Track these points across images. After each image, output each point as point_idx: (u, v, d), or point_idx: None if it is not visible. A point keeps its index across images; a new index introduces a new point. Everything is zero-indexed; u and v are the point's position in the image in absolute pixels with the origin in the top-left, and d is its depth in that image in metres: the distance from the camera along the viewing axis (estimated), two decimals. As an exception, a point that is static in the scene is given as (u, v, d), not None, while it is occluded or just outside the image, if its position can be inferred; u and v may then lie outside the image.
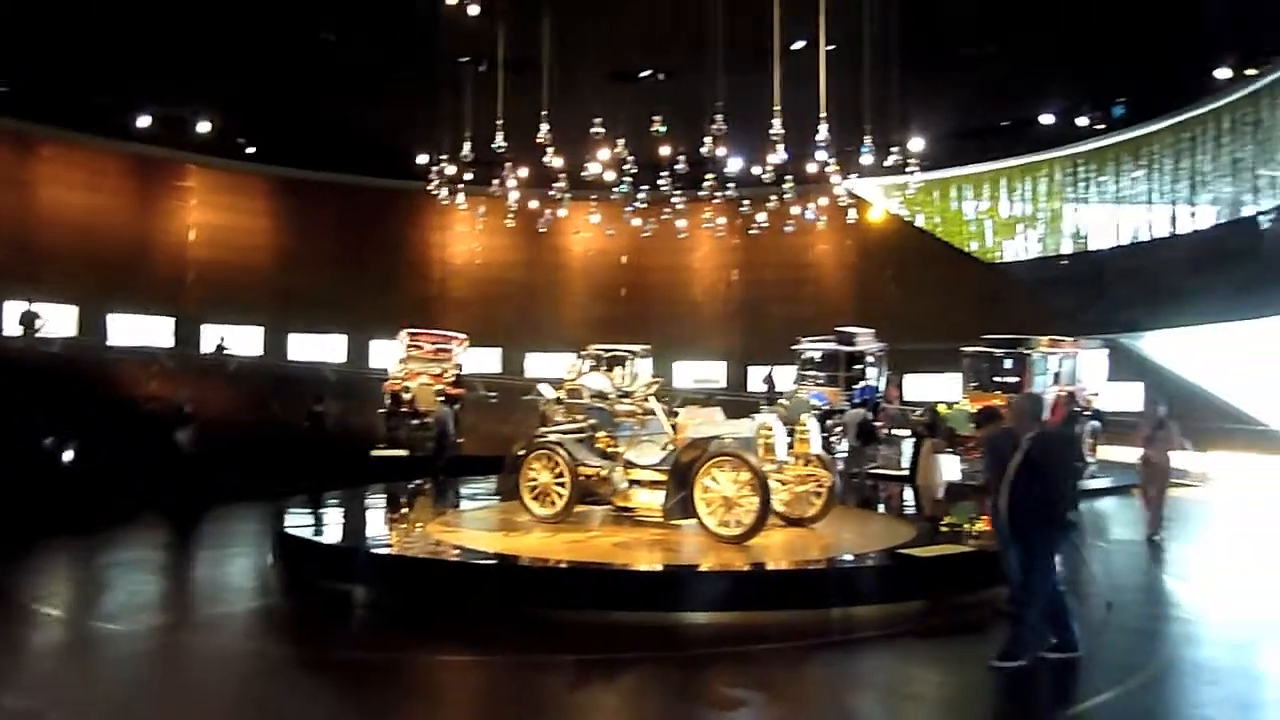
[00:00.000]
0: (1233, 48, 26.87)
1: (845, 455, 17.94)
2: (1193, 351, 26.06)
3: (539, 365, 36.10)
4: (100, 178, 33.07)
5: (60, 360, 24.40)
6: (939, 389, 25.89)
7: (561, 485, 11.44)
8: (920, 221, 36.54)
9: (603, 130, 22.91)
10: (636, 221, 34.21)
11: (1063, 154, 32.78)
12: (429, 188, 30.42)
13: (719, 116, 19.97)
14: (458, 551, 10.12)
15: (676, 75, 28.08)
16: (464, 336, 25.34)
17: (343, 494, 14.20)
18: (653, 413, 11.97)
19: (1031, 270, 33.39)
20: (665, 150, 26.77)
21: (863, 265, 36.31)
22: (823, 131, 17.92)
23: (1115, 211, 31.81)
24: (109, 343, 30.67)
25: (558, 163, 24.27)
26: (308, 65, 31.56)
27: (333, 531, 12.26)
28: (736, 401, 25.24)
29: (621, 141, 25.31)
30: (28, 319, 25.57)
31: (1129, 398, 23.01)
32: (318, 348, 35.58)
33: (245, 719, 6.77)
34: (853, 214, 30.26)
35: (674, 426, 11.63)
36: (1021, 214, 34.64)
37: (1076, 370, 21.37)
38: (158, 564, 11.79)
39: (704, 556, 9.99)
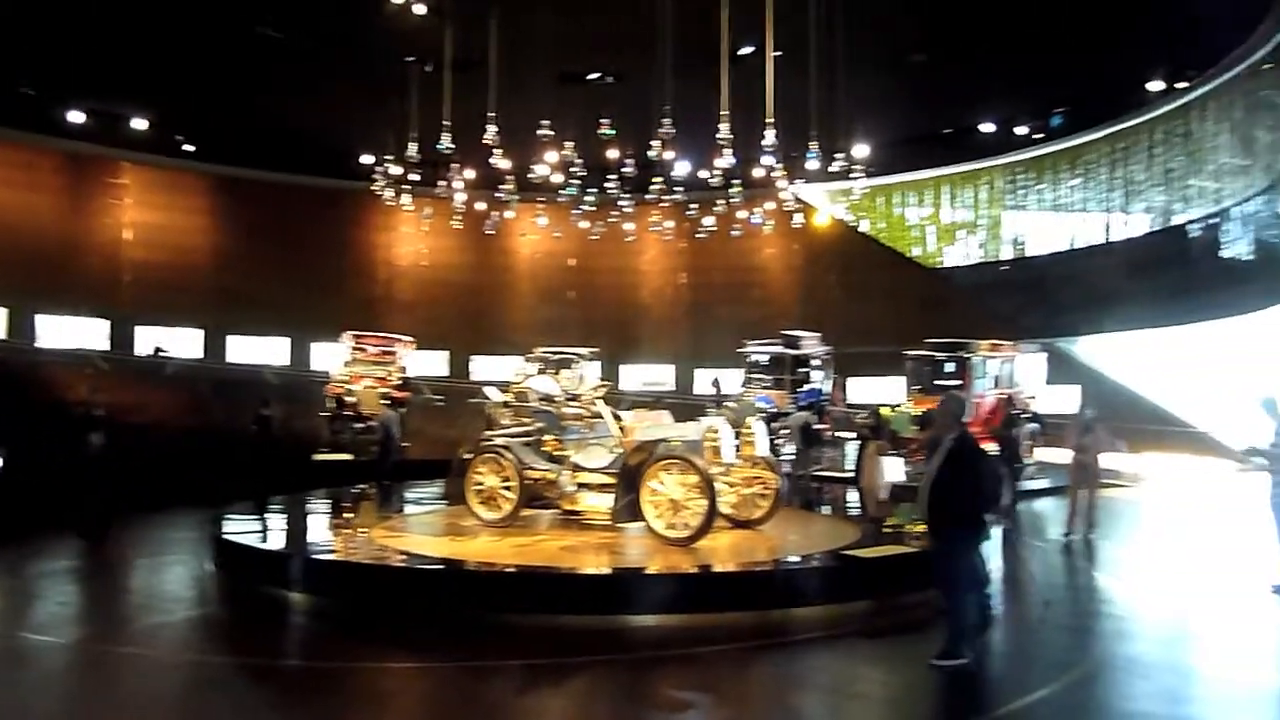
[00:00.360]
0: (1164, 62, 27.76)
1: (791, 457, 18.10)
2: (1126, 355, 26.80)
3: (485, 368, 35.89)
4: (30, 174, 32.11)
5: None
6: (883, 392, 26.30)
7: (508, 489, 11.37)
8: (865, 227, 37.08)
9: (550, 132, 22.85)
10: (584, 224, 34.21)
11: (1003, 162, 33.55)
12: (374, 188, 30.07)
13: (667, 120, 20.04)
14: (403, 557, 10.00)
15: (625, 78, 28.13)
16: (409, 339, 25.07)
17: (285, 499, 13.96)
18: (600, 416, 11.95)
19: (972, 275, 34.08)
20: (613, 153, 26.80)
21: (808, 269, 36.73)
22: (769, 136, 18.08)
23: (1053, 219, 32.63)
24: (40, 345, 29.76)
25: (505, 164, 24.14)
26: (248, 61, 30.99)
27: (274, 537, 12.03)
28: (684, 404, 25.34)
29: (570, 144, 25.26)
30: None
31: (1066, 400, 23.55)
32: (259, 350, 34.90)
33: (182, 730, 6.61)
34: (799, 219, 30.58)
35: (621, 429, 11.63)
36: (963, 220, 35.35)
37: (1015, 373, 21.87)
38: (91, 573, 11.46)
39: (651, 559, 10.00)
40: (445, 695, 7.18)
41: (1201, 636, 8.72)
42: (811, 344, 24.10)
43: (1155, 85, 28.51)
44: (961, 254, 35.49)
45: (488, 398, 13.79)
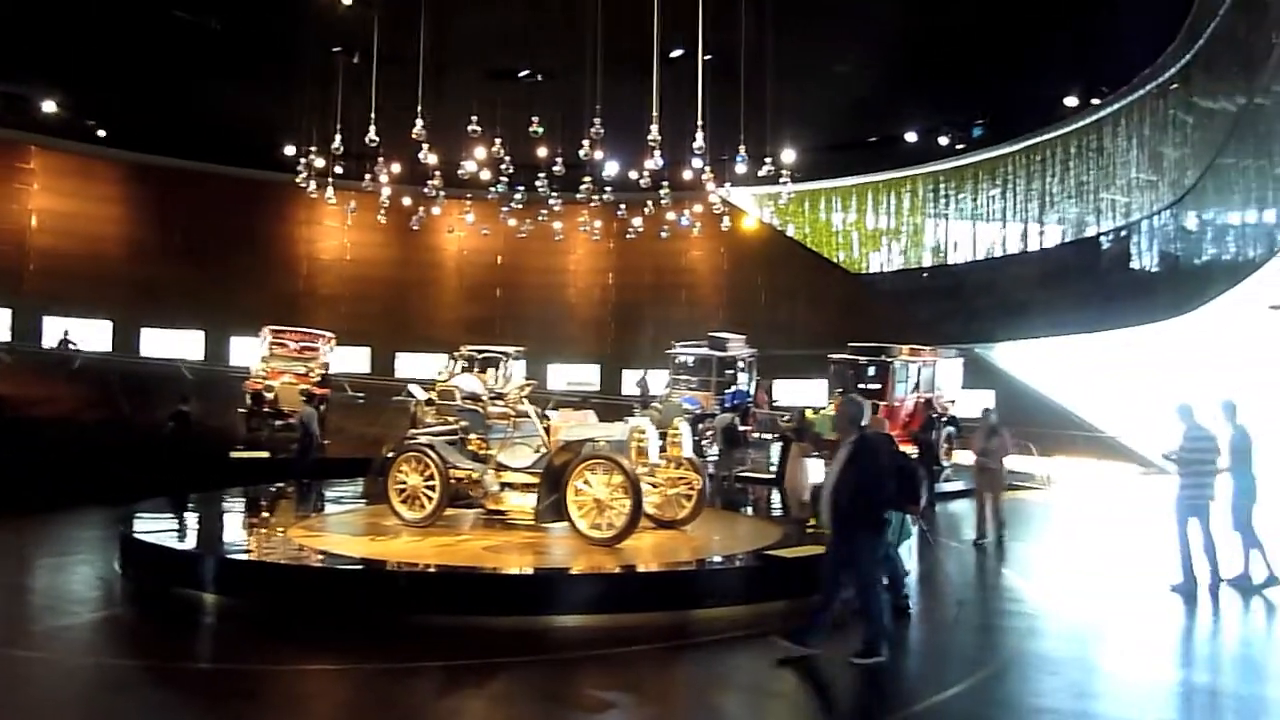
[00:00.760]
0: (1080, 80, 28.78)
1: (715, 459, 18.26)
2: (1039, 361, 27.70)
3: (409, 366, 35.40)
4: (-73, 156, 30.59)
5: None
6: (806, 394, 26.71)
7: (431, 488, 11.23)
8: (791, 231, 37.61)
9: (479, 129, 22.57)
10: (512, 222, 33.95)
11: (925, 171, 34.38)
12: (297, 180, 29.36)
13: (597, 120, 20.00)
14: (321, 557, 9.79)
15: (555, 77, 27.97)
16: (331, 335, 24.62)
17: (200, 497, 13.56)
18: (526, 415, 11.89)
19: (894, 281, 34.86)
20: (543, 151, 26.62)
21: (735, 272, 37.11)
22: (699, 139, 18.18)
23: (972, 227, 33.53)
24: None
25: (432, 160, 23.80)
26: (166, 45, 29.93)
27: (186, 537, 11.66)
28: (610, 405, 25.36)
29: (498, 141, 25.02)
30: None
31: (982, 405, 24.23)
32: (173, 344, 33.81)
33: (84, 738, 6.36)
34: (726, 222, 30.86)
35: (547, 429, 11.58)
36: (886, 227, 36.10)
37: (935, 378, 22.42)
38: (-13, 573, 10.95)
39: (575, 559, 9.98)
40: (363, 698, 7.04)
41: (1107, 634, 9.05)
42: (737, 346, 24.34)
43: (1071, 101, 29.52)
44: (884, 260, 36.24)
45: (411, 395, 13.61)
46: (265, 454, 18.84)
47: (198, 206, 34.20)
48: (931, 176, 34.39)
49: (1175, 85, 23.77)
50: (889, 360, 21.53)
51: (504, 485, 11.42)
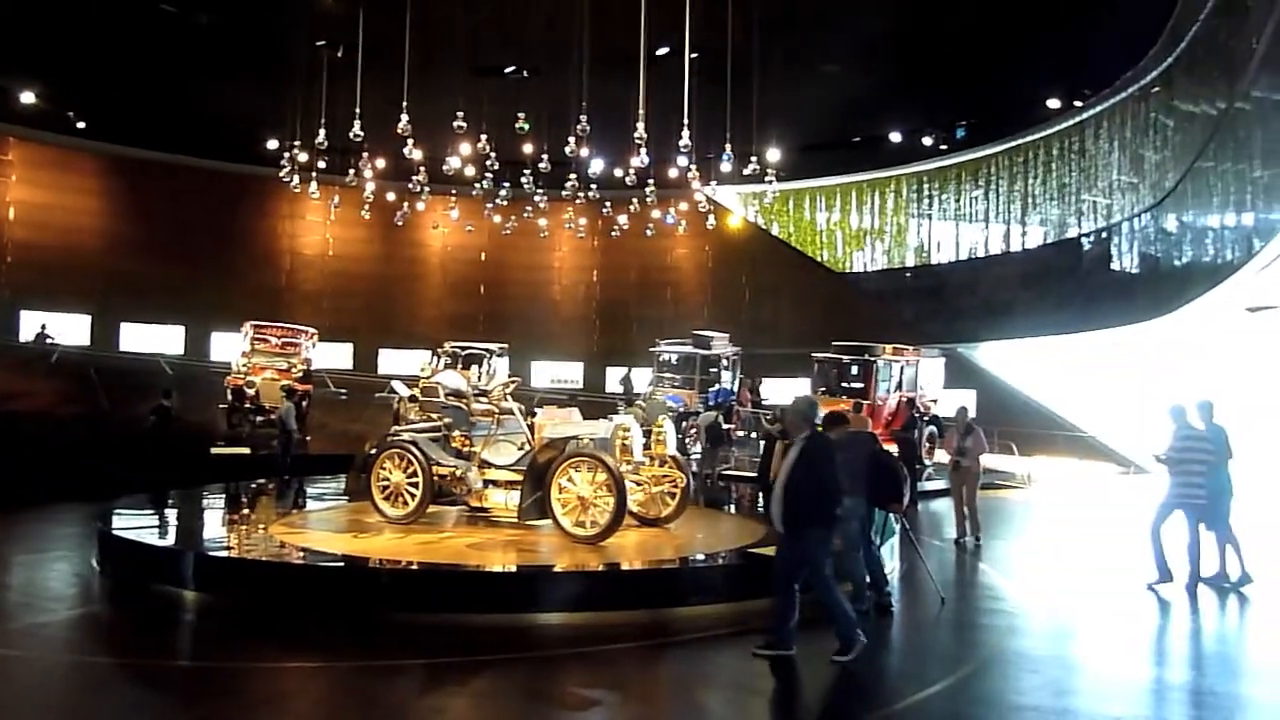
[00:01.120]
0: (1062, 82, 28.99)
1: (698, 456, 18.28)
2: (1021, 361, 27.88)
3: (393, 362, 35.28)
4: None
5: None
6: (790, 392, 26.76)
7: (414, 485, 11.18)
8: (775, 230, 37.69)
9: (464, 125, 22.51)
10: (497, 219, 33.88)
11: (909, 171, 34.52)
12: (280, 175, 29.19)
13: (583, 117, 19.98)
14: (303, 554, 9.74)
15: (542, 74, 27.92)
16: (313, 330, 24.49)
17: (180, 493, 13.46)
18: (510, 412, 11.86)
19: (878, 281, 35.00)
20: (528, 148, 26.57)
21: (719, 270, 37.17)
22: (685, 137, 18.19)
23: (955, 228, 33.71)
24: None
25: (417, 155, 23.72)
26: (148, 37, 29.68)
27: (166, 533, 11.57)
28: (594, 402, 25.35)
29: (484, 137, 24.95)
30: None
31: (958, 404, 24.37)
32: (153, 338, 33.53)
33: (62, 736, 6.30)
34: (711, 220, 30.91)
35: (531, 426, 11.56)
36: (870, 226, 36.23)
37: (917, 377, 22.54)
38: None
39: (559, 557, 9.96)
40: (345, 696, 7.00)
41: (1086, 632, 9.13)
42: (721, 344, 24.39)
43: (1053, 103, 29.73)
44: (868, 259, 36.38)
45: (394, 392, 13.54)
46: (246, 450, 18.75)
47: (179, 200, 33.93)
48: (915, 177, 34.55)
49: (1157, 89, 23.96)
50: (872, 359, 21.62)
51: (487, 482, 11.39)
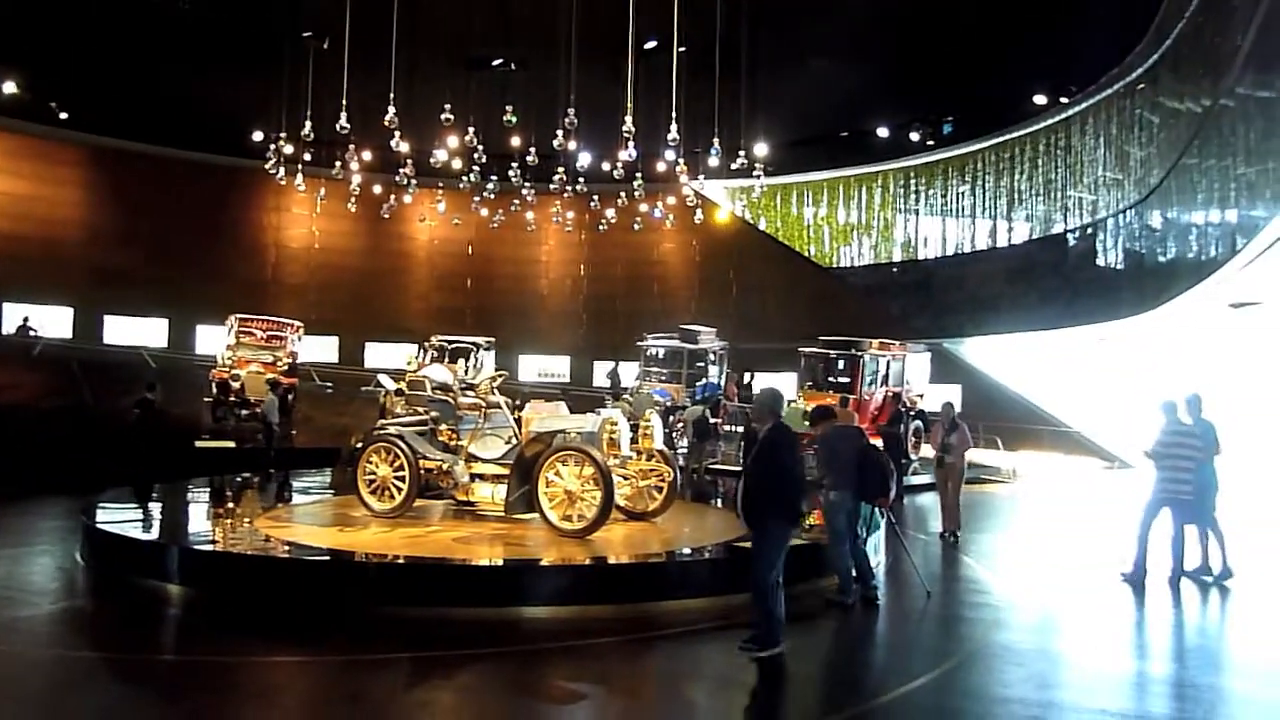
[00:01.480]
0: (1048, 78, 29.10)
1: (685, 451, 18.30)
2: (1006, 356, 28.02)
3: (379, 355, 35.14)
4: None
5: None
6: (777, 387, 26.80)
7: (401, 479, 11.15)
8: (763, 225, 37.72)
9: (452, 117, 22.40)
10: (484, 212, 33.75)
11: (896, 166, 34.59)
12: (265, 166, 28.99)
13: (571, 111, 19.93)
14: (288, 548, 9.70)
15: (529, 66, 27.85)
16: (299, 324, 24.37)
17: (164, 487, 13.38)
18: (497, 406, 11.85)
19: (864, 276, 35.08)
20: (516, 141, 26.49)
21: (707, 265, 37.17)
22: (673, 132, 18.17)
23: (942, 223, 33.81)
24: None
25: (404, 148, 23.59)
26: (132, 26, 29.44)
27: (150, 527, 11.51)
28: (582, 396, 25.32)
29: (471, 130, 24.85)
30: None
31: (943, 399, 24.49)
32: (137, 331, 33.29)
33: (44, 731, 6.25)
34: (699, 214, 30.88)
35: (518, 420, 11.55)
36: (857, 221, 36.30)
37: (904, 372, 22.62)
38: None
39: (545, 551, 9.96)
40: (331, 690, 6.99)
41: (1070, 625, 9.20)
42: (708, 339, 24.41)
43: (1040, 99, 29.84)
44: (855, 255, 36.46)
45: (381, 386, 13.50)
46: (231, 444, 18.66)
47: (163, 192, 33.64)
48: (902, 172, 34.62)
49: (1142, 85, 24.07)
50: (859, 354, 21.68)
51: (474, 476, 11.38)
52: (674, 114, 17.94)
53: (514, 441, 11.28)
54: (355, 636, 7.88)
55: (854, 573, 9.14)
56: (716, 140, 22.63)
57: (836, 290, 34.30)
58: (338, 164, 27.68)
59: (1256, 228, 13.15)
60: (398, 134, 21.29)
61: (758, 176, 26.52)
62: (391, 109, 19.51)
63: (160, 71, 30.52)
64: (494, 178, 30.79)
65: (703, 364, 23.87)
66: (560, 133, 20.86)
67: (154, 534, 11.16)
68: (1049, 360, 26.29)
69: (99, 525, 10.36)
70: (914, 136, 34.02)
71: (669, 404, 21.43)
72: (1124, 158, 25.52)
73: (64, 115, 32.89)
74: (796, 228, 37.49)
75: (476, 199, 32.44)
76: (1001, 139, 31.06)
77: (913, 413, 21.50)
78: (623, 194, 29.97)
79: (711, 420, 19.16)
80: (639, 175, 26.97)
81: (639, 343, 24.98)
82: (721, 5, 22.60)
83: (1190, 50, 19.90)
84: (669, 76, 17.76)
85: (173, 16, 29.33)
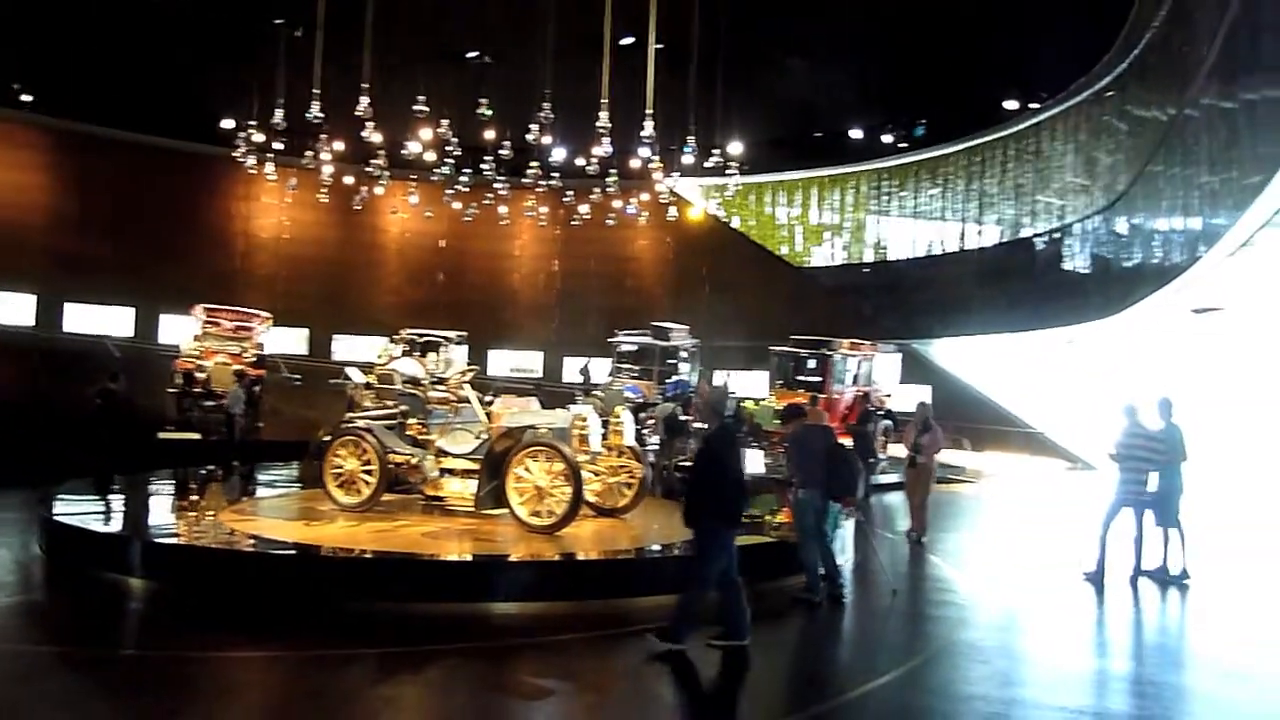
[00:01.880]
0: (1019, 84, 29.42)
1: (656, 448, 18.30)
2: (975, 358, 28.30)
3: (348, 348, 34.85)
4: None
5: None
6: (748, 385, 26.93)
7: (369, 473, 11.07)
8: (736, 223, 37.82)
9: (426, 109, 22.24)
10: (457, 205, 33.56)
11: (868, 168, 34.79)
12: (235, 154, 28.64)
13: (546, 105, 19.86)
14: (253, 541, 9.59)
15: (504, 60, 27.69)
16: (267, 315, 24.12)
17: (126, 479, 13.18)
18: (467, 400, 11.79)
19: (836, 276, 35.28)
20: (490, 134, 26.34)
21: (680, 262, 37.20)
22: (648, 128, 18.16)
23: (913, 225, 34.08)
24: None
25: (377, 139, 23.40)
26: (99, 7, 28.91)
27: (111, 519, 11.33)
28: (553, 392, 25.26)
29: (445, 122, 24.69)
30: None
31: (918, 399, 24.71)
32: (100, 320, 32.77)
33: (0, 725, 6.14)
34: (673, 212, 30.90)
35: (488, 415, 11.50)
36: (829, 222, 36.49)
37: (873, 372, 22.78)
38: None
39: (514, 546, 9.93)
40: (295, 686, 6.92)
41: (1033, 623, 9.32)
42: (680, 336, 24.44)
43: (1010, 105, 30.15)
44: (827, 255, 36.66)
45: (349, 379, 13.38)
46: (196, 435, 18.44)
47: (129, 178, 33.12)
48: (874, 174, 34.83)
49: (1111, 93, 24.37)
50: (829, 353, 21.81)
51: (443, 471, 11.33)
52: (649, 111, 17.93)
53: (484, 436, 11.24)
54: (321, 632, 7.80)
55: (821, 571, 9.19)
56: (691, 138, 22.65)
57: (808, 290, 34.48)
58: (309, 153, 27.41)
59: (1218, 235, 13.37)
60: (371, 124, 21.13)
61: (732, 175, 26.59)
62: (365, 99, 19.35)
63: (128, 55, 30.01)
64: (467, 171, 30.63)
65: (674, 361, 23.90)
66: (535, 127, 20.79)
67: (115, 526, 10.99)
68: (1016, 362, 26.59)
69: (59, 517, 10.19)
70: (886, 139, 34.26)
71: (640, 401, 21.43)
72: (1092, 164, 25.83)
73: (28, 99, 32.27)
74: (770, 227, 37.63)
75: (449, 192, 32.26)
76: (972, 143, 31.33)
77: (881, 412, 21.67)
78: (597, 190, 29.92)
79: (682, 418, 19.17)
80: (613, 171, 26.96)
81: (611, 339, 24.96)
82: (699, 3, 22.63)
83: (1157, 60, 20.18)
84: (645, 73, 17.74)
85: (142, 1, 28.88)
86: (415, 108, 21.74)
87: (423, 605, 8.41)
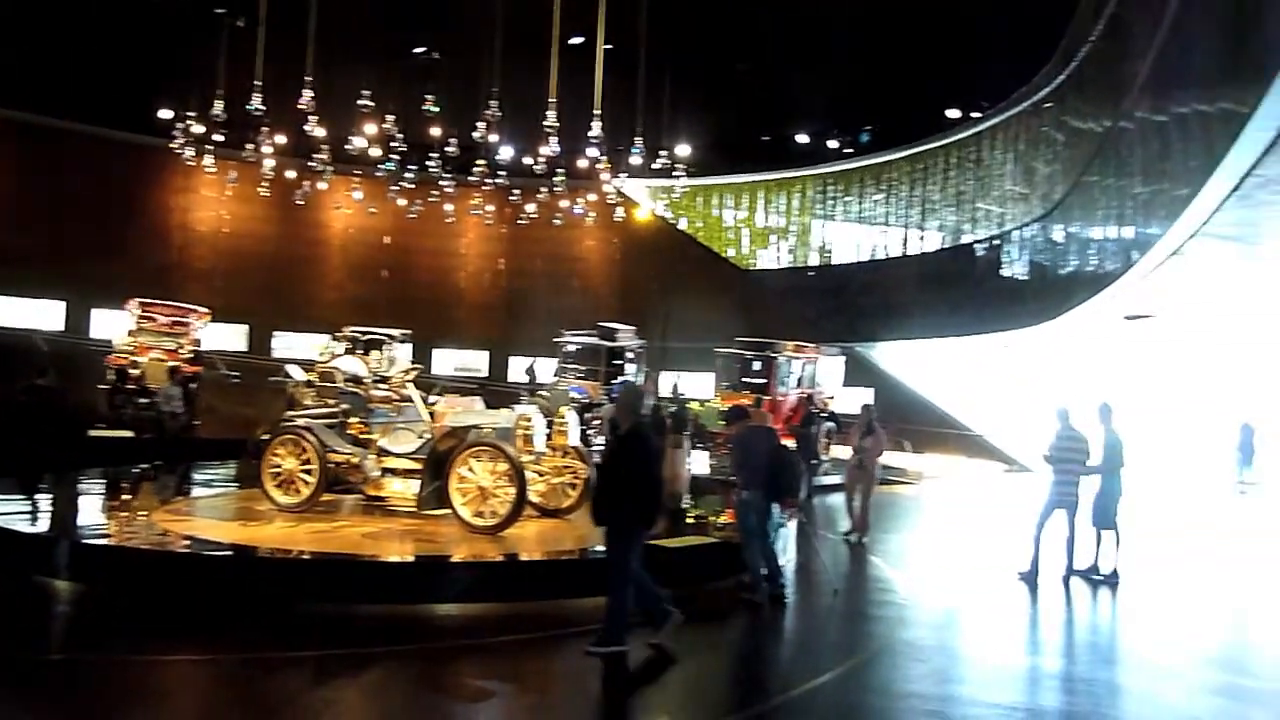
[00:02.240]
0: (962, 93, 30.01)
1: (602, 448, 18.27)
2: (917, 362, 28.77)
3: (289, 345, 34.23)
4: None
5: None
6: (694, 387, 27.05)
7: (308, 473, 10.88)
8: (683, 225, 37.96)
9: (371, 104, 21.95)
10: (402, 202, 33.17)
11: (814, 173, 35.20)
12: (172, 145, 27.93)
13: (494, 103, 19.72)
14: (188, 542, 9.37)
15: (452, 56, 27.44)
16: (205, 310, 23.55)
17: (54, 478, 12.79)
18: (410, 399, 11.66)
19: (782, 279, 35.61)
20: (436, 131, 26.09)
21: (627, 263, 37.24)
22: (595, 129, 18.15)
23: (857, 230, 34.55)
24: None
25: (320, 132, 23.01)
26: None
27: (39, 519, 10.98)
28: (499, 391, 25.09)
29: (391, 117, 24.38)
30: None
31: (861, 401, 25.03)
32: (29, 313, 31.73)
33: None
34: (620, 212, 30.89)
35: (432, 415, 11.39)
36: (775, 225, 36.82)
37: (816, 374, 23.04)
38: None
39: (457, 547, 9.84)
40: (230, 690, 6.76)
41: (970, 622, 9.50)
42: (627, 337, 24.45)
43: (953, 113, 30.73)
44: (773, 258, 36.99)
45: (289, 376, 13.14)
46: (129, 433, 17.94)
47: (61, 167, 32.08)
48: (820, 178, 35.24)
49: (1049, 104, 24.96)
50: (774, 356, 22.00)
51: (385, 471, 11.19)
52: (597, 111, 17.92)
53: (427, 436, 11.12)
54: (257, 635, 7.63)
55: (764, 571, 9.25)
56: (639, 139, 22.67)
57: (754, 292, 34.73)
58: (249, 146, 26.85)
59: (1150, 244, 13.75)
60: (314, 118, 20.78)
61: (678, 177, 26.68)
62: (308, 92, 19.03)
63: (63, 41, 29.12)
64: (413, 167, 30.29)
65: (620, 362, 23.89)
66: (482, 125, 20.64)
67: (43, 527, 10.65)
68: (957, 366, 27.08)
69: (-18, 516, 9.84)
70: (833, 144, 34.68)
71: (586, 401, 21.39)
72: (1030, 173, 26.42)
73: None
74: (717, 229, 37.85)
75: (394, 188, 31.87)
76: (916, 150, 31.86)
77: (825, 414, 21.90)
78: (544, 189, 29.80)
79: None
80: (561, 171, 26.88)
81: (557, 339, 24.87)
82: (648, 5, 22.66)
83: (1094, 73, 20.71)
84: (593, 73, 17.72)
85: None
86: (360, 102, 21.42)
87: (363, 607, 8.29)
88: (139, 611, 8.14)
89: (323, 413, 11.70)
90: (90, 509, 12.06)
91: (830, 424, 21.62)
